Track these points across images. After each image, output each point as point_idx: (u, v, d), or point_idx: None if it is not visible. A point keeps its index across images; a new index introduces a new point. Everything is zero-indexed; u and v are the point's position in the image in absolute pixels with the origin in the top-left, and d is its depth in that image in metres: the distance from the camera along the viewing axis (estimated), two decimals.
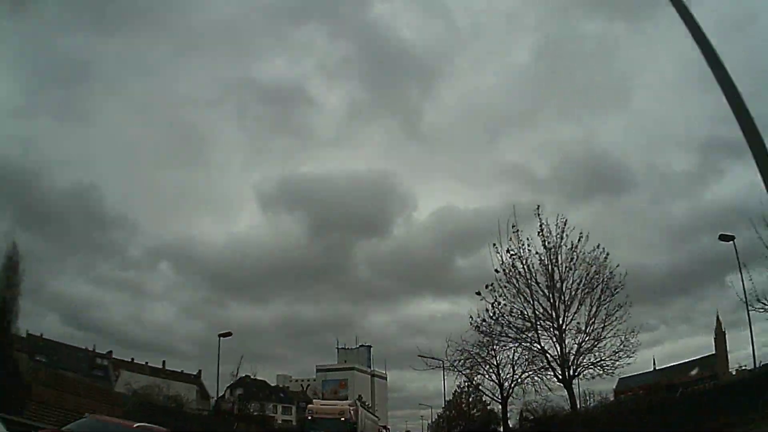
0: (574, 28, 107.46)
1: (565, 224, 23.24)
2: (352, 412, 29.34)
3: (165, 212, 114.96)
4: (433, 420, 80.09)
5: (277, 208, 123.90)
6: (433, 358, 32.18)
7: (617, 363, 22.86)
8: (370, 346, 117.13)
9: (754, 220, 22.45)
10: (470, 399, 60.58)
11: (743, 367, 45.87)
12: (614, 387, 62.50)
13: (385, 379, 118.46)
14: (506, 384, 30.12)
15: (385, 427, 63.38)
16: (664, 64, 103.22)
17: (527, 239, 23.13)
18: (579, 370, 23.02)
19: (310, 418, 29.20)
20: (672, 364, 60.08)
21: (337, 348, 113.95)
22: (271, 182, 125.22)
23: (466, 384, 56.86)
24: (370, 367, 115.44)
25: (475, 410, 60.88)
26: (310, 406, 32.44)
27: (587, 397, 47.98)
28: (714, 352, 59.98)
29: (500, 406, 43.54)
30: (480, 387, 32.75)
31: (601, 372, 23.26)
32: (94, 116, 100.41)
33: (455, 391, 58.56)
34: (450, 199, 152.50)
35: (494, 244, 23.34)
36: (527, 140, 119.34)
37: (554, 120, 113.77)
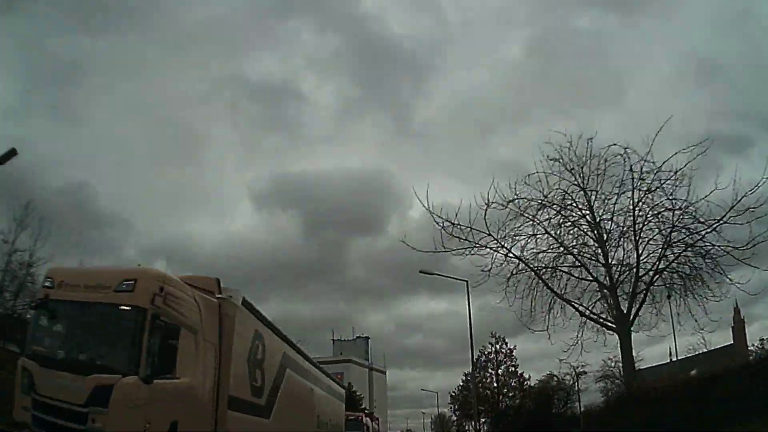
0: (566, 23, 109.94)
1: None
2: (161, 294, 8.69)
3: (160, 211, 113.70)
4: (438, 414, 75.27)
5: (271, 207, 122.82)
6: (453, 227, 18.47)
7: None
8: (367, 338, 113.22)
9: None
10: (499, 369, 49.13)
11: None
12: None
13: (384, 373, 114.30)
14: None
15: (369, 414, 47.39)
16: (659, 59, 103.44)
17: None
18: None
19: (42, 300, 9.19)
20: (691, 354, 57.70)
21: (333, 340, 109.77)
22: (264, 180, 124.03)
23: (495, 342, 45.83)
24: (368, 360, 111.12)
25: (506, 389, 49.03)
26: (52, 270, 9.87)
27: None
28: (732, 342, 58.22)
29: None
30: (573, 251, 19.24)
31: None
32: (86, 115, 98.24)
33: (477, 357, 46.42)
34: (445, 197, 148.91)
35: None
36: (521, 136, 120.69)
37: (548, 116, 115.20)
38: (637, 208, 18.86)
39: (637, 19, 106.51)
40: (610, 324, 19.06)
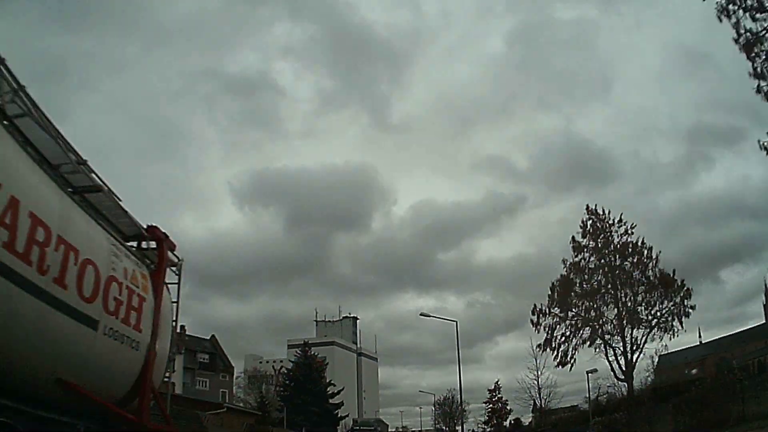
0: (548, 13, 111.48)
1: None
2: None
3: (144, 208, 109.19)
4: (443, 396, 67.24)
5: (253, 204, 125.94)
6: None
7: None
8: (355, 318, 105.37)
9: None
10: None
11: None
12: (654, 365, 57.09)
13: (376, 360, 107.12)
14: None
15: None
16: (645, 51, 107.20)
17: None
18: None
19: None
20: (720, 336, 53.97)
21: (316, 321, 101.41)
22: (245, 177, 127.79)
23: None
24: (356, 344, 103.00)
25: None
26: None
27: None
28: (764, 321, 54.72)
29: None
30: None
31: None
32: (69, 112, 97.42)
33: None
34: (430, 192, 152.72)
35: None
36: (505, 131, 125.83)
37: (532, 110, 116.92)
38: None
39: (620, 7, 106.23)
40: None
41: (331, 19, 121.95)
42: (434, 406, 72.35)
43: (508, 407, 58.59)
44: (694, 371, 48.36)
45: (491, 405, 59.56)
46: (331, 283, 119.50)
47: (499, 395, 59.33)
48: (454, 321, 27.03)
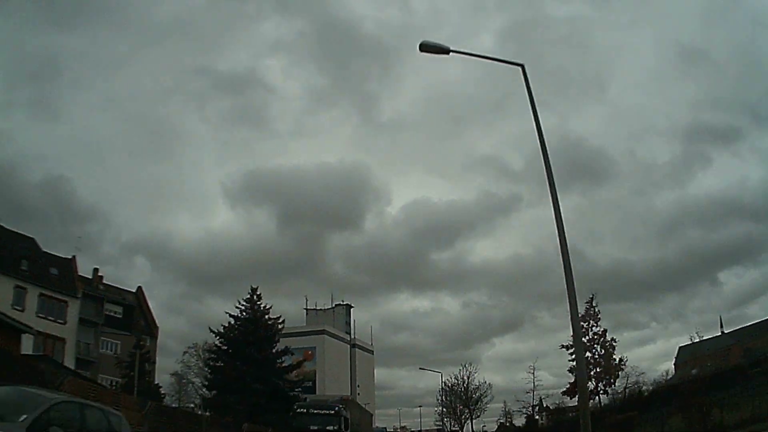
0: (541, 10, 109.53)
1: None
2: None
3: (138, 206, 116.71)
4: (455, 377, 60.22)
5: (246, 203, 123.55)
6: None
7: None
8: (349, 306, 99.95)
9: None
10: None
11: None
12: (675, 357, 55.18)
13: (372, 353, 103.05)
14: None
15: None
16: (641, 48, 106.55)
17: None
18: None
19: None
20: (744, 325, 51.21)
21: (306, 309, 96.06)
22: (238, 176, 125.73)
23: None
24: (349, 334, 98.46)
25: None
26: None
27: None
28: None
29: None
30: None
31: None
32: (64, 111, 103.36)
33: None
34: (423, 192, 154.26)
35: None
36: (498, 130, 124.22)
37: (526, 109, 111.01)
38: None
39: (614, 4, 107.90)
40: None
41: (319, 14, 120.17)
42: (440, 392, 61.39)
43: (617, 356, 38.49)
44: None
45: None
46: (324, 283, 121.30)
47: (600, 327, 38.50)
48: (519, 65, 14.25)
